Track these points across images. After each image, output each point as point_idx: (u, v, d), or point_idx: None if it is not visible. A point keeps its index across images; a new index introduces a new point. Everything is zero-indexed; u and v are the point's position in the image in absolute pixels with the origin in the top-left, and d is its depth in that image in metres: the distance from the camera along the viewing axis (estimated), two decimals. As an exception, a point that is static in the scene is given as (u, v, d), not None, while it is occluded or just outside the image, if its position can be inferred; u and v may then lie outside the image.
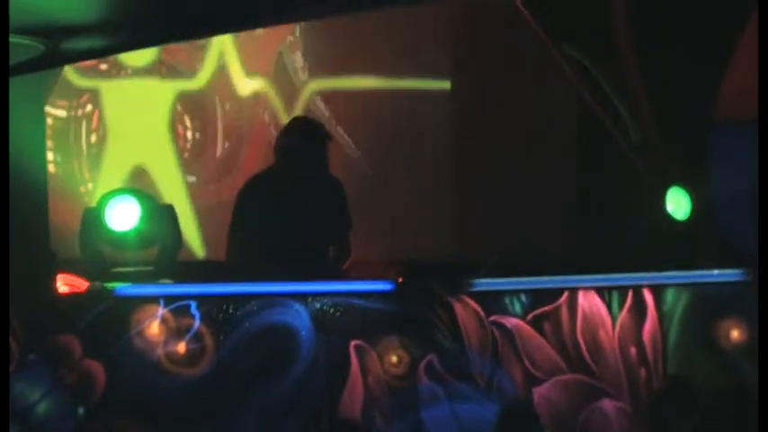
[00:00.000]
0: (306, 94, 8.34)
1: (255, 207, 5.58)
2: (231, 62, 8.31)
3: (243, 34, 8.09)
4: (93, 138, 8.12)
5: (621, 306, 4.95)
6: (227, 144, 8.33)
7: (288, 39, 8.35)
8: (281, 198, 5.55)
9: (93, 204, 5.45)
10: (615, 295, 4.96)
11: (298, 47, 8.35)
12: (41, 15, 4.59)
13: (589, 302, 4.95)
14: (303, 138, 5.61)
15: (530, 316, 4.92)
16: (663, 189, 5.29)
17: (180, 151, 8.28)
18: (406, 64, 8.31)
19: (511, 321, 4.91)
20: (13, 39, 4.52)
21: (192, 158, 8.31)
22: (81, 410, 4.74)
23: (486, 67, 8.14)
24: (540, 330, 4.92)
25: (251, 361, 4.81)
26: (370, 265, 5.77)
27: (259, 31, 8.15)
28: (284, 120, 8.24)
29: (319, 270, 5.43)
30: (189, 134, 8.32)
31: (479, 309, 4.90)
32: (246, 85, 8.34)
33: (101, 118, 8.14)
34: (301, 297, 4.85)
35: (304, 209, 5.51)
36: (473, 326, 4.89)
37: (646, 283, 4.98)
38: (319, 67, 8.38)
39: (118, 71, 8.12)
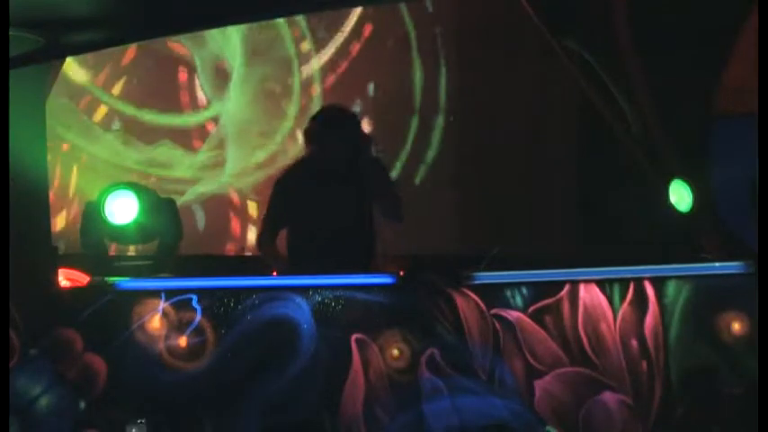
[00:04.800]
0: (308, 86, 8.33)
1: (293, 198, 5.55)
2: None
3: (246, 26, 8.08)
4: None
5: (623, 299, 4.95)
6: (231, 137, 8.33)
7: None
8: (317, 190, 5.51)
9: (94, 198, 5.45)
10: (616, 288, 4.96)
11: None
12: (41, 8, 4.59)
13: (590, 295, 4.94)
14: (332, 127, 5.54)
15: (531, 309, 4.92)
16: (664, 181, 5.28)
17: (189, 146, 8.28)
18: (408, 57, 8.30)
19: (512, 314, 4.91)
20: (12, 32, 4.51)
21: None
22: (82, 404, 4.75)
23: (488, 60, 8.14)
24: (541, 323, 4.92)
25: (252, 354, 4.82)
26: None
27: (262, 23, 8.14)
28: (291, 112, 8.25)
29: (361, 261, 5.42)
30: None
31: (481, 302, 4.90)
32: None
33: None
34: (302, 290, 4.85)
35: (339, 199, 5.48)
36: (474, 319, 4.89)
37: (647, 275, 4.98)
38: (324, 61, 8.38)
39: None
